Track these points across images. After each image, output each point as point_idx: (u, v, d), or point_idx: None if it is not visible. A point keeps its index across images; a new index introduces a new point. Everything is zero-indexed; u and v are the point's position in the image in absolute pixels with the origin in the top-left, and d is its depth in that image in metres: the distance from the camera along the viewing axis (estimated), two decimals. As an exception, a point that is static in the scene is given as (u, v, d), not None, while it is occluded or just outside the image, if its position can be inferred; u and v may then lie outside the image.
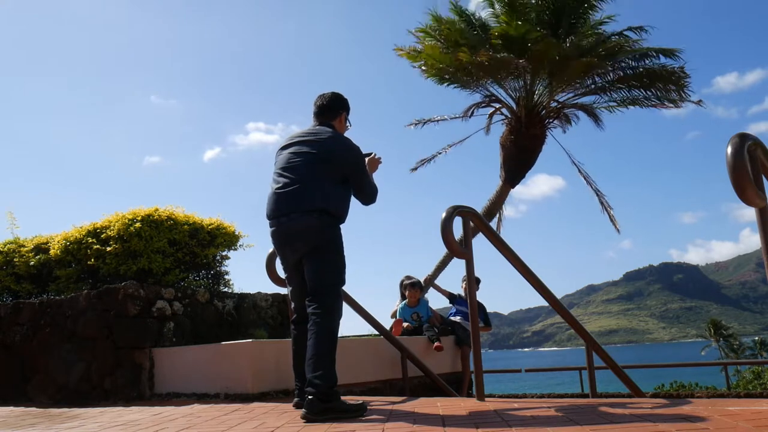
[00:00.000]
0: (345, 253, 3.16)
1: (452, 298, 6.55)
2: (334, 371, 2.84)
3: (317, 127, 3.28)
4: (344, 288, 3.23)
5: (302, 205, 3.01)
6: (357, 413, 2.76)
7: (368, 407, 3.06)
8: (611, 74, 12.54)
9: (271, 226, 3.17)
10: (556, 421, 2.27)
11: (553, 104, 13.27)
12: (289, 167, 3.12)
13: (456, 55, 11.96)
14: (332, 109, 3.34)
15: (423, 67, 13.18)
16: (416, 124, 14.68)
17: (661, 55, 12.31)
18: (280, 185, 3.11)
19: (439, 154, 14.55)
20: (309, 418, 2.69)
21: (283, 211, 3.06)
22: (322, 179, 3.05)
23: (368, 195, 3.26)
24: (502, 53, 12.10)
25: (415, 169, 14.71)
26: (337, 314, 3.00)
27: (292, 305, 3.28)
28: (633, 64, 12.48)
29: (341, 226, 3.19)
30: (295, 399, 3.15)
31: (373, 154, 3.47)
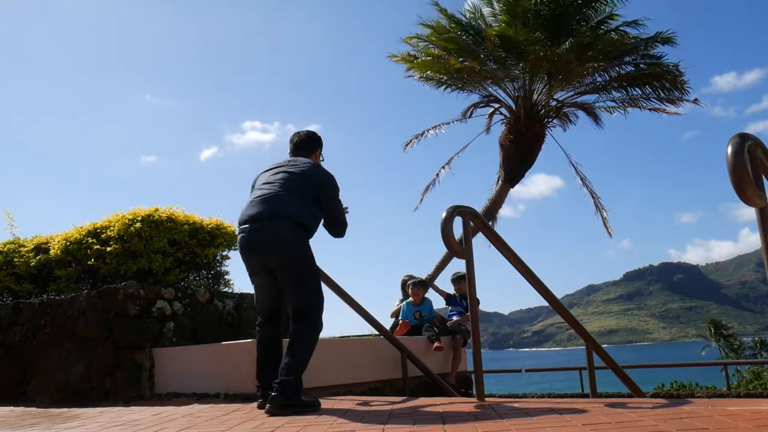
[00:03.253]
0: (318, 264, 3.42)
1: (449, 298, 6.55)
2: (301, 379, 3.15)
3: (295, 158, 3.53)
4: (344, 287, 3.28)
5: (274, 211, 3.19)
6: (314, 408, 3.08)
7: (368, 407, 3.13)
8: (610, 72, 12.56)
9: (240, 233, 3.32)
10: (556, 421, 2.27)
11: (553, 103, 13.28)
12: (266, 183, 3.35)
13: (448, 61, 11.99)
14: (307, 146, 3.61)
15: (418, 74, 13.21)
16: (414, 141, 14.47)
17: (657, 44, 12.33)
18: (254, 196, 3.33)
19: (442, 169, 14.45)
20: (273, 412, 2.99)
21: (255, 219, 3.23)
22: (296, 193, 3.26)
23: (339, 223, 3.47)
24: (499, 53, 12.10)
25: (420, 201, 14.60)
26: (320, 329, 3.27)
27: (259, 307, 3.43)
28: (631, 58, 12.49)
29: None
30: (259, 400, 3.25)
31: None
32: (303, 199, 3.26)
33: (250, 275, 3.39)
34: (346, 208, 3.69)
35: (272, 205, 3.22)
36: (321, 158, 3.69)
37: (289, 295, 3.30)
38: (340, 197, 3.50)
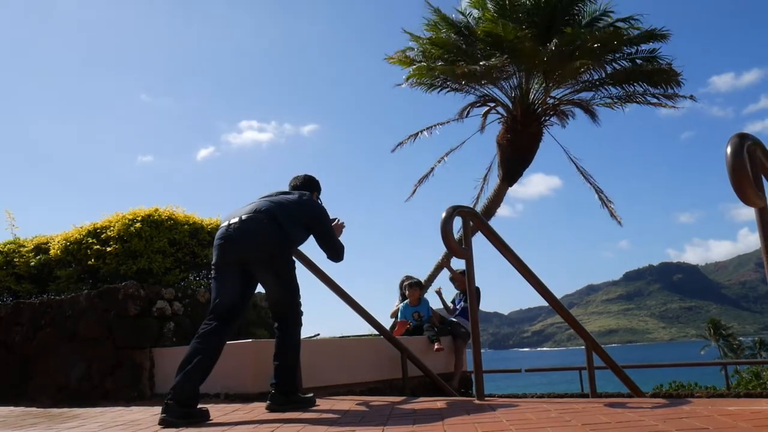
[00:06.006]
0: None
1: (449, 310, 6.46)
2: (297, 377, 3.35)
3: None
4: (344, 287, 3.26)
5: (259, 211, 3.20)
6: (310, 403, 3.24)
7: (368, 407, 3.14)
8: (605, 68, 12.58)
9: (219, 229, 3.31)
10: (556, 421, 2.28)
11: (549, 101, 13.29)
12: (256, 201, 3.37)
13: (437, 68, 12.06)
14: (304, 189, 3.62)
15: (412, 81, 13.26)
16: (408, 141, 14.50)
17: (651, 41, 12.36)
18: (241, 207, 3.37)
19: (436, 166, 14.49)
20: (274, 409, 3.14)
21: (236, 215, 3.24)
22: (285, 210, 3.26)
23: (334, 248, 3.48)
24: (492, 52, 12.11)
25: (413, 193, 14.64)
26: (300, 327, 3.33)
27: (217, 301, 3.20)
28: (626, 51, 12.51)
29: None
30: (162, 415, 2.93)
31: (336, 220, 3.69)
32: (291, 215, 3.27)
33: (217, 268, 3.27)
34: (342, 223, 3.71)
35: (257, 207, 3.24)
36: (319, 201, 3.69)
37: (267, 296, 3.39)
38: (330, 222, 3.54)
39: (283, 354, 3.22)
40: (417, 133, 14.38)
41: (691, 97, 12.86)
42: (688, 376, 11.89)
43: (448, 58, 12.47)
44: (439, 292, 6.70)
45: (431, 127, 14.33)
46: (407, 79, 13.20)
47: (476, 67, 11.85)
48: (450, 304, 6.54)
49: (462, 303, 6.25)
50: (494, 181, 13.83)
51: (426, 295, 6.41)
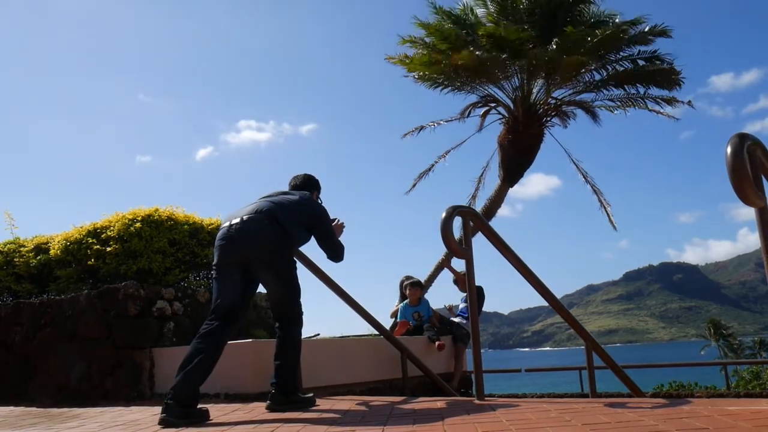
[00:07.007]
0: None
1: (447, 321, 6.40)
2: (298, 377, 3.38)
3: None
4: (344, 287, 3.25)
5: (259, 211, 3.20)
6: (310, 403, 3.25)
7: (368, 407, 3.15)
8: (607, 68, 12.60)
9: (220, 230, 3.29)
10: (556, 421, 2.28)
11: (551, 102, 13.30)
12: (257, 201, 3.36)
13: (450, 59, 11.98)
14: (304, 188, 3.62)
15: (414, 75, 13.22)
16: (413, 132, 14.58)
17: (653, 38, 12.38)
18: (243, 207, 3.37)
19: (437, 162, 14.54)
20: (274, 408, 3.15)
21: (237, 215, 3.23)
22: (286, 210, 3.26)
23: (334, 248, 3.49)
24: (495, 51, 12.09)
25: (413, 186, 14.69)
26: (301, 327, 3.34)
27: (218, 302, 3.18)
28: (627, 54, 12.54)
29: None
30: (162, 415, 2.94)
31: (336, 220, 3.69)
32: (292, 216, 3.26)
33: (218, 268, 3.24)
34: (342, 223, 3.72)
35: (258, 207, 3.24)
36: (319, 200, 3.68)
37: (268, 296, 3.40)
38: (331, 222, 3.55)
39: (283, 354, 3.22)
40: (422, 127, 14.46)
41: (689, 103, 12.98)
42: (688, 376, 11.90)
43: (456, 51, 12.40)
44: (450, 309, 6.57)
45: (436, 123, 14.38)
46: (409, 70, 13.15)
47: (485, 66, 11.79)
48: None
49: (464, 304, 6.24)
50: (491, 180, 13.87)
51: (433, 305, 6.34)
